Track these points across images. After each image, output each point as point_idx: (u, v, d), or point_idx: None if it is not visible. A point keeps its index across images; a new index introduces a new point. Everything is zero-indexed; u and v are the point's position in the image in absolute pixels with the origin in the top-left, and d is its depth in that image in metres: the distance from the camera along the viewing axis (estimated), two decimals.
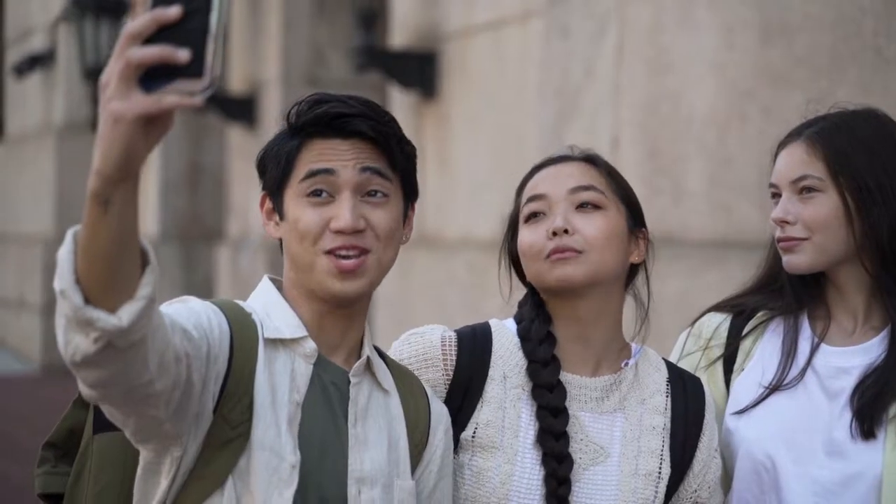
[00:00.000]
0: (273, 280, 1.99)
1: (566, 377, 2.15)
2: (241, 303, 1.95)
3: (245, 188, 9.47)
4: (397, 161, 1.97)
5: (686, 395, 2.21)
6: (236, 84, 9.89)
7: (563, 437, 2.10)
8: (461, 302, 5.59)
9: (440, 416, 2.04)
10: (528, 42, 5.44)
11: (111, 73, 1.48)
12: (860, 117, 2.35)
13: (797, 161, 2.32)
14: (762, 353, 2.38)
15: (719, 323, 2.42)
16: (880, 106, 2.45)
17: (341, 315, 1.95)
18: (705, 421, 2.21)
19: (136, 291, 1.59)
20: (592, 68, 4.87)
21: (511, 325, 2.20)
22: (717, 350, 2.40)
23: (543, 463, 2.09)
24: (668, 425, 2.18)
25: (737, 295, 2.46)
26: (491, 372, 2.14)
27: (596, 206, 2.13)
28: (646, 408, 2.18)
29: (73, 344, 1.60)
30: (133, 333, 1.60)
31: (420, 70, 6.28)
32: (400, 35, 6.59)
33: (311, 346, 1.92)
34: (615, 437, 2.15)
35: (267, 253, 8.95)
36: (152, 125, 1.50)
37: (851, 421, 2.27)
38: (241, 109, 9.39)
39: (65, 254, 1.58)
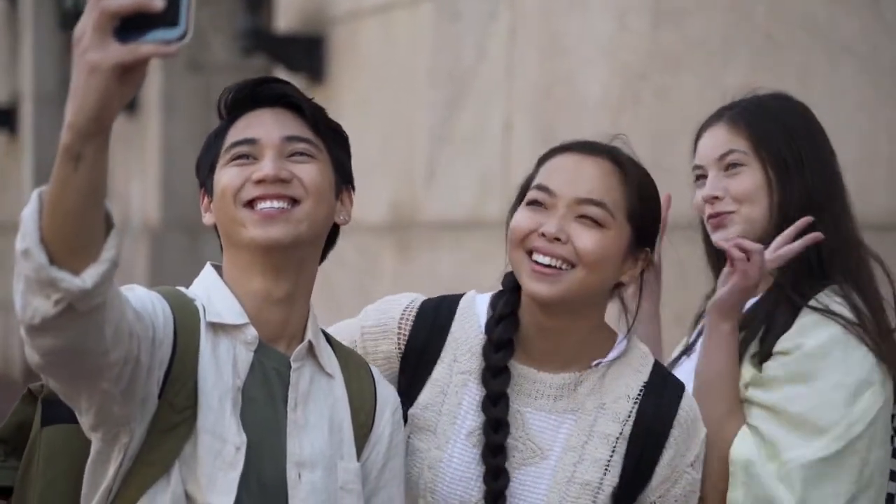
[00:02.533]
0: (215, 266, 1.98)
1: (522, 370, 2.06)
2: (183, 289, 1.94)
3: (125, 175, 9.29)
4: (321, 130, 1.96)
5: (659, 405, 2.05)
6: None
7: (502, 427, 2.02)
8: (350, 286, 5.54)
9: (387, 398, 2.02)
10: (419, 25, 5.40)
11: (86, 25, 1.48)
12: (772, 98, 2.46)
13: (721, 140, 2.40)
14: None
15: None
16: (771, 89, 2.52)
17: (281, 303, 1.92)
18: (670, 437, 2.04)
19: (100, 254, 1.58)
20: (484, 52, 4.85)
21: (484, 300, 2.12)
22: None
23: (482, 455, 2.02)
24: (628, 433, 2.04)
25: None
26: (443, 353, 2.08)
27: (597, 223, 2.02)
28: (604, 412, 2.05)
29: (33, 307, 1.59)
30: (95, 297, 1.59)
31: (307, 54, 6.20)
32: (286, 18, 6.50)
33: (251, 333, 1.90)
34: (558, 439, 2.04)
35: (148, 240, 8.79)
36: (127, 76, 1.50)
37: None
38: None
39: (30, 213, 1.57)
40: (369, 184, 5.91)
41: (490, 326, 2.07)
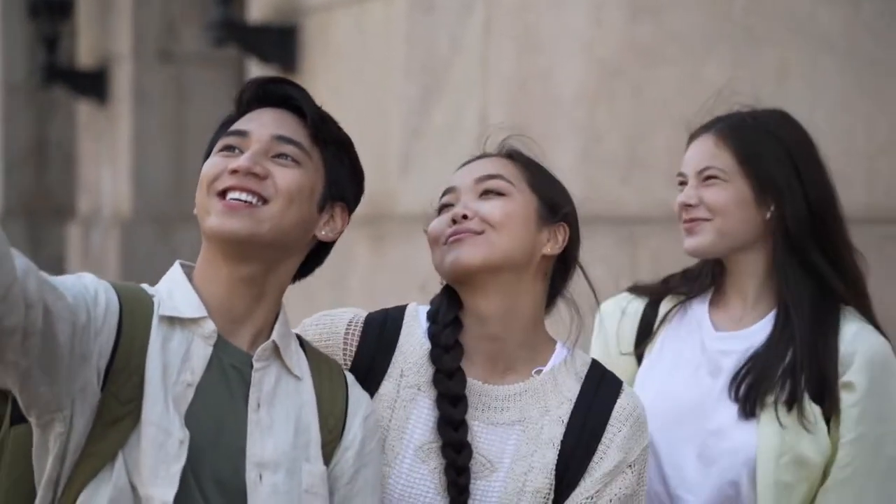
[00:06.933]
0: (184, 265, 1.97)
1: (469, 383, 2.05)
2: (146, 286, 1.93)
3: (95, 165, 9.22)
4: (322, 139, 1.95)
5: (591, 405, 2.05)
6: (85, 58, 9.61)
7: (465, 448, 2.01)
8: (324, 278, 5.50)
9: (359, 402, 2.00)
10: (393, 17, 5.36)
11: None
12: (771, 115, 2.51)
13: (705, 152, 2.47)
14: (664, 340, 2.51)
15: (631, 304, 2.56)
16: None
17: (246, 287, 1.90)
18: (606, 433, 2.03)
19: None
20: (459, 45, 4.82)
21: (425, 311, 2.14)
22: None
23: (445, 473, 2.00)
24: (563, 433, 2.04)
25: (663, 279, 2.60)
26: (390, 369, 2.08)
27: (499, 193, 2.08)
28: (549, 418, 2.05)
29: None
30: None
31: (280, 44, 6.16)
32: (257, 8, 6.46)
33: (210, 326, 1.89)
34: (507, 451, 2.04)
35: (119, 231, 8.73)
36: None
37: (732, 405, 2.39)
38: (91, 84, 9.15)
39: None
40: None
41: (436, 333, 2.08)
